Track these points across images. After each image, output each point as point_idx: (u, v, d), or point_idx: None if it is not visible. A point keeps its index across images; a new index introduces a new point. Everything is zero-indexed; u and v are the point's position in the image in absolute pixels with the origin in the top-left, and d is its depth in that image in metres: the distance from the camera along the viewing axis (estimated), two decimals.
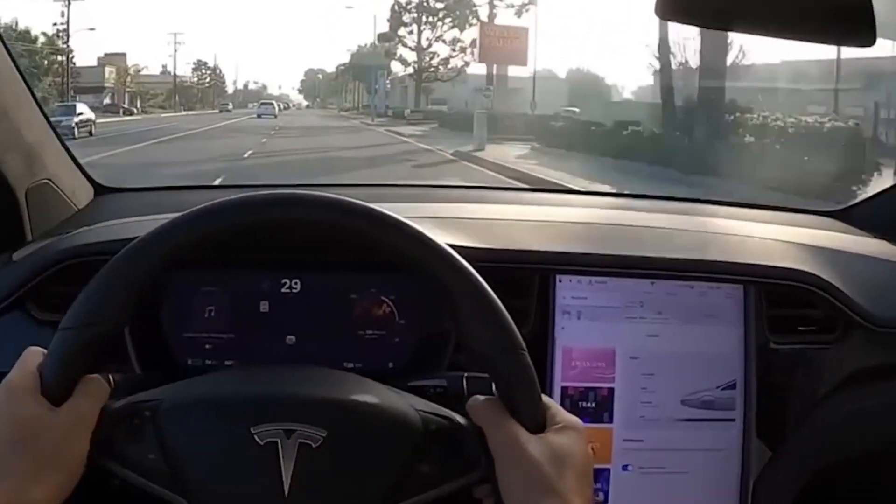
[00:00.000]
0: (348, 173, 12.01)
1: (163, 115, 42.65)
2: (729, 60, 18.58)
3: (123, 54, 48.25)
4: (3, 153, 1.13)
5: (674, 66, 18.79)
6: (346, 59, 59.08)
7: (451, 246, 0.75)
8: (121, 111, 38.66)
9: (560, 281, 1.09)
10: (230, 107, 51.93)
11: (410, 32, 42.66)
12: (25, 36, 33.29)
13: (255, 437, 0.68)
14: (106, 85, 42.60)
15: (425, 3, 42.12)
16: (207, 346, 1.04)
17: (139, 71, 47.64)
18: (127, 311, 0.73)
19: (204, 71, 60.42)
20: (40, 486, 0.66)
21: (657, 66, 19.76)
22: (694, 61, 18.27)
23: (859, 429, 1.24)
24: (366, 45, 53.33)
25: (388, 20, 43.16)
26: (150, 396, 0.72)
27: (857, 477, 1.45)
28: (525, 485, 0.69)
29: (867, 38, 0.92)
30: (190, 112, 49.07)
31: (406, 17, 42.63)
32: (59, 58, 35.18)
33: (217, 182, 9.18)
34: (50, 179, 1.25)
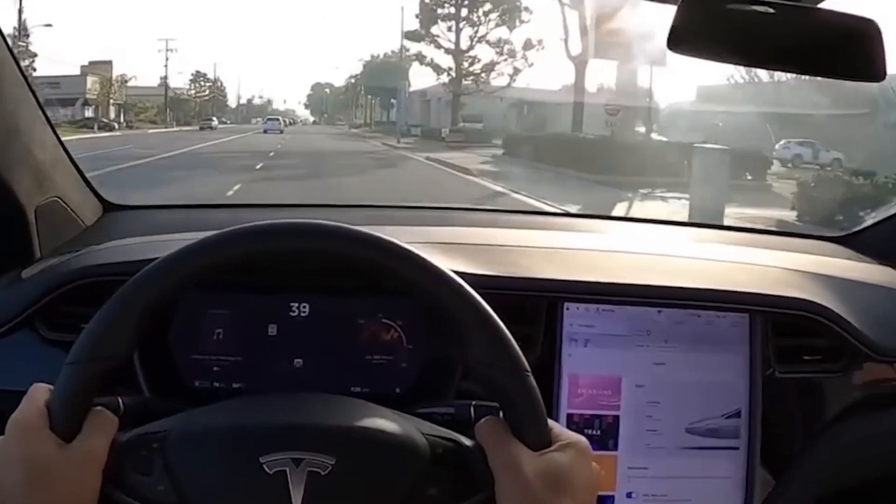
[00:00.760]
0: None
1: (150, 131, 37.27)
2: None
3: (109, 62, 41.91)
4: (13, 171, 1.14)
5: None
6: (357, 69, 54.03)
7: (461, 273, 0.76)
8: (96, 126, 32.58)
9: (567, 308, 1.10)
10: (214, 124, 42.85)
11: (449, 29, 33.96)
12: None
13: (264, 466, 0.68)
14: (88, 96, 37.33)
15: None
16: (216, 369, 1.05)
17: (126, 81, 41.98)
18: (134, 342, 0.73)
19: (202, 83, 54.72)
20: None
21: None
22: None
23: (863, 457, 1.25)
24: (379, 55, 48.71)
25: (418, 15, 34.57)
26: (157, 428, 0.72)
27: None
28: (522, 501, 0.69)
29: (878, 73, 0.93)
30: (184, 128, 43.63)
31: (441, 11, 34.03)
32: (26, 61, 28.42)
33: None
34: (59, 197, 1.26)
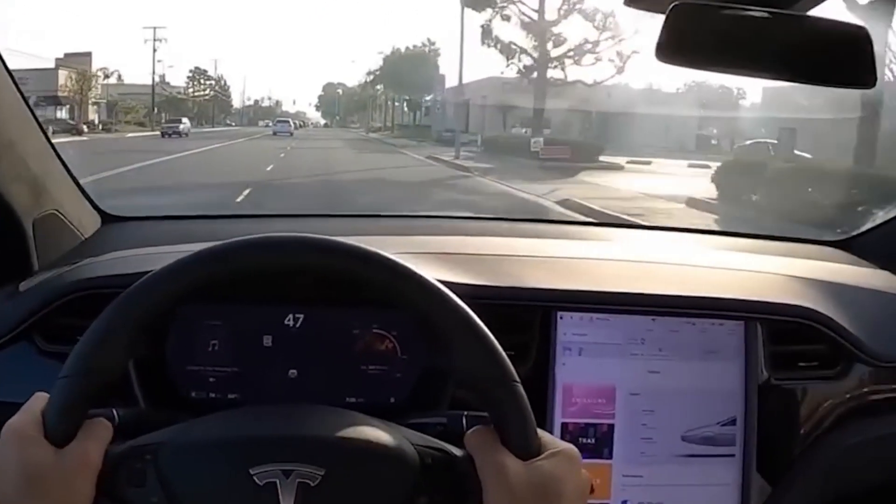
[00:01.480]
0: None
1: (129, 135, 29.67)
2: None
3: (87, 54, 34.19)
4: (9, 184, 1.14)
5: None
6: (376, 63, 46.29)
7: (452, 283, 0.77)
8: (51, 129, 19.63)
9: (561, 318, 1.10)
10: (183, 127, 30.31)
11: None
12: None
13: (255, 478, 0.69)
14: (60, 94, 30.14)
15: None
16: (211, 380, 1.05)
17: (108, 76, 35.09)
18: (127, 355, 0.74)
19: (202, 81, 47.99)
20: None
21: None
22: None
23: (861, 463, 1.24)
24: (400, 49, 41.55)
25: None
26: (151, 440, 0.73)
27: None
28: None
29: (868, 80, 0.93)
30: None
31: None
32: None
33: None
34: (56, 209, 1.26)
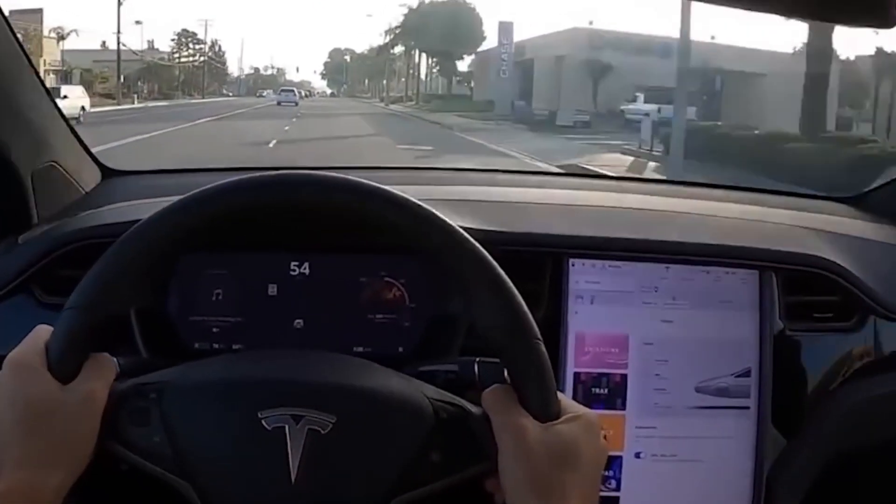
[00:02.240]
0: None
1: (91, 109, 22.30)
2: None
3: (38, 11, 27.89)
4: (8, 136, 1.12)
5: None
6: (396, 19, 38.97)
7: (465, 228, 0.74)
8: None
9: (573, 265, 1.08)
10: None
11: None
12: None
13: (263, 422, 0.67)
14: None
15: None
16: (215, 330, 1.03)
17: (64, 37, 29.02)
18: (135, 293, 0.72)
19: (192, 46, 40.58)
20: (55, 470, 0.65)
21: None
22: None
23: (876, 416, 1.23)
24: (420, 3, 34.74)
25: None
26: (155, 378, 0.71)
27: (874, 465, 1.44)
28: (525, 477, 0.68)
29: (886, 19, 0.90)
30: (158, 103, 31.57)
31: None
32: None
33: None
34: (56, 162, 1.24)
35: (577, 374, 1.08)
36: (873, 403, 1.21)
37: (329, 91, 66.57)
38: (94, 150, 1.38)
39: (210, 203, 0.72)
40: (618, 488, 1.10)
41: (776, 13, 0.96)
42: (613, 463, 1.09)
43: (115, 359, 0.74)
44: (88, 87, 28.09)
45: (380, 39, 45.91)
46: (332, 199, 0.73)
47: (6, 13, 1.07)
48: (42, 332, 0.71)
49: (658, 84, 18.07)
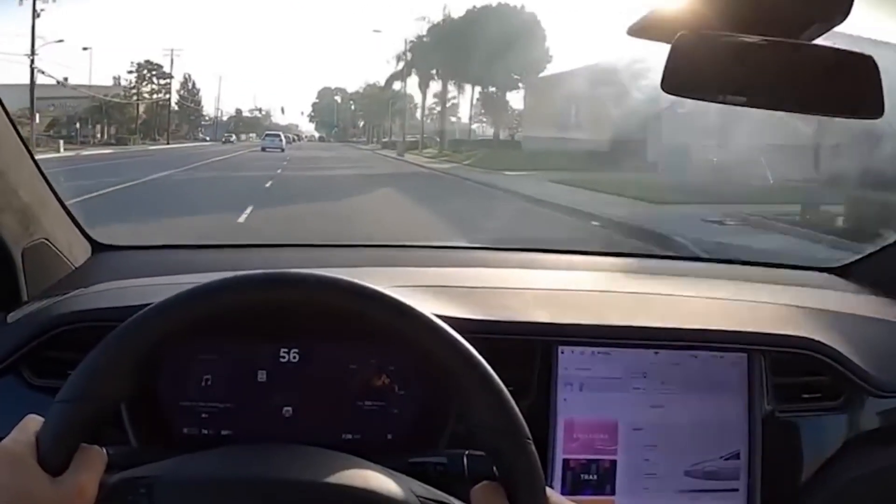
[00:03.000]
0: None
1: None
2: None
3: None
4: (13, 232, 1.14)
5: None
6: (412, 36, 28.60)
7: (453, 318, 0.75)
8: None
9: (562, 352, 1.10)
10: None
11: None
12: None
13: None
14: None
15: None
16: (204, 416, 1.04)
17: None
18: (126, 386, 0.73)
19: (156, 81, 32.14)
20: None
21: None
22: None
23: (865, 493, 1.24)
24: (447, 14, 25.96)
25: None
26: (145, 472, 0.72)
27: None
28: None
29: (876, 110, 0.93)
30: (103, 150, 24.92)
31: None
32: None
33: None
34: (46, 238, 1.25)
35: (566, 461, 1.09)
36: (862, 481, 1.22)
37: (317, 135, 60.89)
38: None
39: (200, 301, 0.74)
40: None
41: (774, 108, 0.98)
42: None
43: (104, 449, 0.74)
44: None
45: (379, 74, 39.57)
46: (314, 299, 0.75)
47: None
48: (32, 423, 0.71)
49: None
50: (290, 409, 1.04)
